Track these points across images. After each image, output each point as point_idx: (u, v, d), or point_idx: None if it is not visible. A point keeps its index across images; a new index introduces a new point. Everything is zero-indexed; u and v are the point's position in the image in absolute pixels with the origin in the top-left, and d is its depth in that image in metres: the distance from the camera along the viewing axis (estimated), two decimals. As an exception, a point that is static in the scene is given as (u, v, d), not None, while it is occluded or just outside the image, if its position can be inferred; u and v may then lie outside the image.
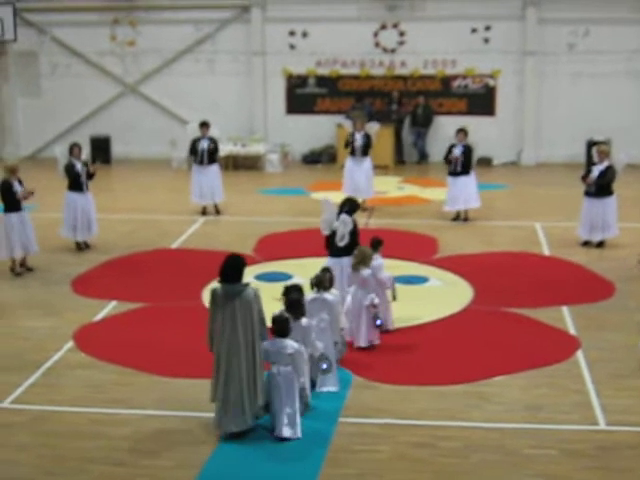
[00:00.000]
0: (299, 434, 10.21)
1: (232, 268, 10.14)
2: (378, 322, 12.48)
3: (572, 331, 13.46)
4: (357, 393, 11.38)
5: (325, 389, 11.49)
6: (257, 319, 10.06)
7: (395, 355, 12.59)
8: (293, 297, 11.05)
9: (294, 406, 10.29)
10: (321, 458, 9.72)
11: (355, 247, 13.23)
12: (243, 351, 10.03)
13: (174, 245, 18.60)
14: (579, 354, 12.54)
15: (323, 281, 11.89)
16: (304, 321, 11.03)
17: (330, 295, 11.86)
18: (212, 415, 10.35)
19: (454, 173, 19.99)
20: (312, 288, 11.89)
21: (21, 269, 16.66)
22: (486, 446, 9.96)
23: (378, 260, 13.26)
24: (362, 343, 12.74)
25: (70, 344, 13.06)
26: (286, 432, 10.19)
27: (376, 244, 13.47)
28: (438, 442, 10.06)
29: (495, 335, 13.34)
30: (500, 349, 12.78)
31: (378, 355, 12.54)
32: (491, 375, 11.86)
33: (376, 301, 12.67)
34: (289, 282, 11.75)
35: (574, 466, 9.52)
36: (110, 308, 14.65)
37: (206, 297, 15.01)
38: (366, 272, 12.77)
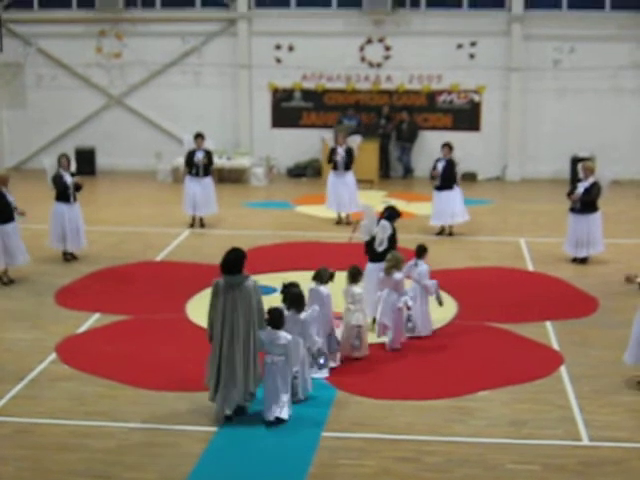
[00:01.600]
0: (287, 417, 10.86)
1: (234, 261, 10.88)
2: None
3: (556, 346, 13.49)
4: (341, 407, 11.37)
5: (315, 375, 12.02)
6: (256, 308, 10.73)
7: (379, 369, 12.59)
8: (294, 291, 11.74)
9: (287, 393, 10.92)
10: (305, 473, 9.70)
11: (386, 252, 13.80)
12: (242, 338, 10.68)
13: (159, 257, 18.57)
14: (563, 369, 12.57)
15: (323, 275, 12.55)
16: (303, 315, 11.70)
17: (325, 289, 12.45)
18: (196, 427, 10.51)
19: (437, 187, 20.05)
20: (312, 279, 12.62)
21: (5, 278, 16.60)
22: (470, 461, 9.97)
23: (423, 266, 13.96)
24: (396, 345, 13.31)
25: (53, 356, 13.02)
26: (282, 414, 10.81)
27: (421, 251, 14.11)
28: (422, 457, 10.06)
29: (479, 350, 13.36)
30: (484, 364, 12.80)
31: (362, 370, 12.54)
32: (475, 390, 11.87)
33: (410, 303, 13.32)
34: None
35: (557, 481, 9.55)
36: (93, 320, 14.61)
37: (190, 310, 15.04)
38: (398, 275, 13.34)
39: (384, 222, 14.26)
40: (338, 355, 12.70)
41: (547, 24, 27.45)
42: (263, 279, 16.79)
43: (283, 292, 11.86)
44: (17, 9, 29.18)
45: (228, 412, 10.89)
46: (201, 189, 21.07)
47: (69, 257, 18.36)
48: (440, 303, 13.88)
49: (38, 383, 12.10)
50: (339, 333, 12.80)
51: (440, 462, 9.95)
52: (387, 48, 28.19)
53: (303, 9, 28.33)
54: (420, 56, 27.88)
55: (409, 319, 13.61)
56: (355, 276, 12.97)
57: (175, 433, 10.62)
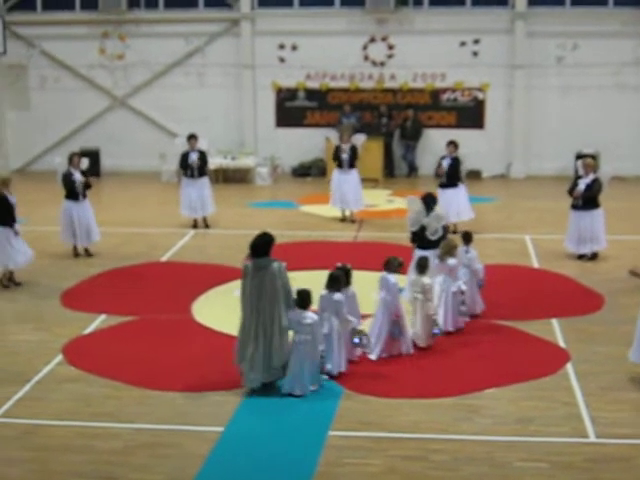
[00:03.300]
0: (301, 393, 11.48)
1: (261, 244, 11.52)
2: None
3: (562, 344, 13.48)
4: (347, 406, 11.36)
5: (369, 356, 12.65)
6: (281, 290, 11.33)
7: (385, 368, 12.57)
8: (334, 273, 12.27)
9: (313, 370, 11.58)
10: (311, 472, 9.69)
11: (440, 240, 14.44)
12: (268, 317, 11.34)
13: (164, 258, 18.58)
14: (569, 367, 12.56)
15: (392, 264, 12.96)
16: (337, 295, 12.06)
17: (392, 277, 12.90)
18: (203, 428, 10.58)
19: (442, 185, 20.01)
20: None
21: (9, 283, 16.60)
22: (477, 459, 9.95)
23: (473, 252, 14.61)
24: (450, 327, 13.77)
25: (59, 358, 13.02)
26: (297, 391, 11.48)
27: (468, 237, 14.74)
28: (429, 455, 10.05)
29: (485, 348, 13.34)
30: (490, 362, 12.79)
31: (368, 368, 12.51)
32: (481, 388, 11.86)
33: (463, 288, 13.96)
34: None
35: (564, 478, 9.52)
36: (99, 321, 14.61)
37: (196, 311, 15.05)
38: (452, 261, 13.92)
39: (439, 212, 14.96)
40: (404, 343, 12.99)
41: (550, 21, 27.46)
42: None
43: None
44: (20, 11, 29.23)
45: (252, 386, 11.55)
46: (197, 190, 21.05)
47: (82, 253, 18.61)
48: (480, 287, 14.57)
49: (44, 385, 12.11)
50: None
51: (447, 460, 9.94)
52: (390, 47, 28.19)
53: (306, 8, 28.35)
54: (423, 54, 27.88)
55: (463, 302, 14.04)
56: (423, 267, 13.28)
57: (181, 434, 10.62)
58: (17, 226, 16.50)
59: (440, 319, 13.45)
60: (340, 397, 11.60)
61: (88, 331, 14.19)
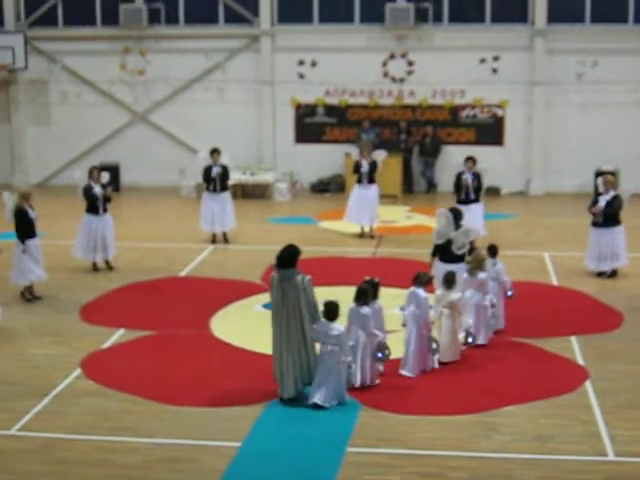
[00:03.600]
0: (327, 405, 11.61)
1: (287, 256, 11.76)
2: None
3: (580, 361, 13.43)
4: (366, 423, 11.34)
5: (401, 372, 12.79)
6: (304, 303, 11.54)
7: (403, 384, 12.56)
8: (362, 286, 12.40)
9: (339, 381, 11.68)
10: (329, 488, 9.70)
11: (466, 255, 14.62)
12: (293, 329, 11.60)
13: (182, 273, 18.61)
14: (587, 384, 12.51)
15: (422, 279, 12.99)
16: (364, 309, 12.20)
17: (422, 292, 12.91)
18: (220, 443, 10.65)
19: (465, 201, 19.79)
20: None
21: (30, 296, 16.66)
22: (495, 476, 9.92)
23: (500, 264, 14.78)
24: (482, 341, 13.93)
25: (78, 372, 13.06)
26: (324, 402, 11.58)
27: (494, 250, 14.85)
28: (447, 472, 10.02)
29: (504, 365, 13.31)
30: (509, 379, 12.75)
31: (386, 384, 12.50)
32: (500, 405, 11.82)
33: (494, 301, 14.08)
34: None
35: (583, 497, 9.50)
36: (118, 336, 14.65)
37: (214, 326, 15.06)
38: (482, 275, 14.05)
39: (468, 227, 15.05)
40: (436, 357, 13.09)
41: (570, 38, 27.44)
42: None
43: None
44: (42, 26, 29.43)
45: (286, 396, 11.77)
46: (219, 205, 21.12)
47: (102, 267, 18.70)
48: (511, 297, 14.80)
49: (63, 398, 12.14)
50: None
51: (465, 477, 9.91)
52: (410, 63, 28.24)
53: (326, 25, 28.44)
54: (443, 71, 27.91)
55: (493, 315, 14.16)
56: (450, 282, 13.33)
57: (199, 449, 10.63)
58: (35, 240, 16.56)
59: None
60: (358, 413, 11.59)
61: (107, 345, 14.23)
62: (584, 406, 11.79)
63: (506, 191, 28.15)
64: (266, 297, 16.45)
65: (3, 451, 10.57)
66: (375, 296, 12.61)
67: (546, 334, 14.56)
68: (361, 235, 21.80)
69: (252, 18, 28.74)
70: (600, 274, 18.06)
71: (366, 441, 10.82)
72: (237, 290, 17.08)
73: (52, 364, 13.40)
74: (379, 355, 12.32)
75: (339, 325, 11.75)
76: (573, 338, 14.37)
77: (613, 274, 18.04)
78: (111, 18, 28.96)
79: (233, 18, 28.97)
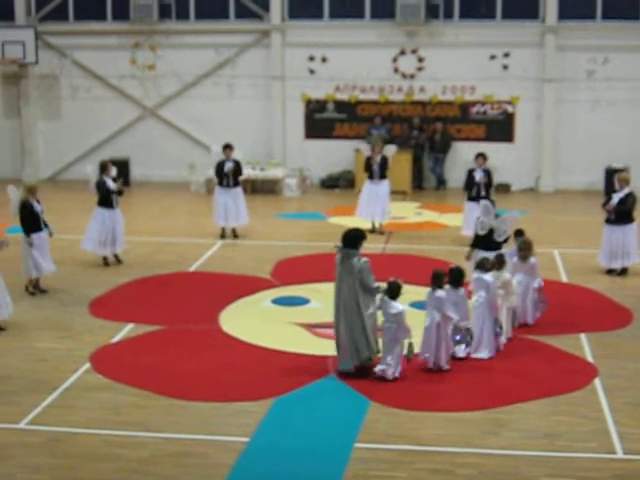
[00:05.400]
0: (397, 375, 12.40)
1: (351, 237, 12.46)
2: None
3: (590, 359, 13.41)
4: (373, 419, 11.34)
5: (476, 355, 13.27)
6: (358, 283, 12.15)
7: (412, 381, 12.53)
8: (437, 270, 12.98)
9: (395, 354, 12.33)
10: (337, 484, 9.70)
11: (505, 242, 15.41)
12: (348, 306, 12.26)
13: (192, 268, 18.62)
14: (597, 382, 12.48)
15: (486, 263, 13.51)
16: (439, 292, 12.74)
17: (488, 276, 13.42)
18: (229, 438, 10.65)
19: (476, 198, 19.66)
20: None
21: (34, 290, 16.69)
22: (503, 473, 9.91)
23: (532, 259, 15.11)
24: (530, 320, 14.73)
25: (87, 366, 13.07)
26: (383, 373, 12.34)
27: (519, 235, 15.60)
28: (455, 469, 10.01)
29: (513, 362, 13.28)
30: (518, 376, 12.73)
31: (394, 381, 12.49)
32: (509, 402, 11.80)
33: (542, 284, 14.79)
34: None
35: (592, 495, 9.48)
36: (127, 330, 14.66)
37: (223, 321, 15.07)
38: (533, 260, 14.87)
39: (512, 214, 15.88)
40: (502, 338, 13.62)
41: (581, 35, 27.38)
42: (296, 290, 16.87)
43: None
44: (53, 21, 29.46)
45: (344, 369, 12.51)
46: (231, 200, 21.12)
47: (112, 260, 18.72)
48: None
49: (72, 393, 12.15)
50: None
51: (473, 474, 9.90)
52: (420, 59, 28.21)
53: (336, 20, 28.42)
54: (453, 67, 27.87)
55: (540, 298, 14.85)
56: (501, 263, 13.78)
57: (208, 443, 10.63)
58: (42, 234, 16.59)
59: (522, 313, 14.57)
60: (366, 409, 11.58)
61: (116, 340, 14.24)
62: (593, 404, 11.76)
63: (516, 188, 28.12)
64: (275, 292, 16.60)
65: (12, 445, 10.59)
66: (459, 283, 13.20)
67: (555, 331, 14.53)
68: (372, 230, 21.76)
69: (263, 13, 28.73)
70: (610, 271, 18.03)
71: (374, 437, 10.81)
72: (246, 285, 17.09)
73: (61, 358, 13.42)
74: (457, 337, 12.91)
75: (398, 304, 12.32)
76: (582, 335, 14.35)
77: (623, 272, 18.01)
78: (121, 13, 28.99)
79: (243, 13, 28.97)
